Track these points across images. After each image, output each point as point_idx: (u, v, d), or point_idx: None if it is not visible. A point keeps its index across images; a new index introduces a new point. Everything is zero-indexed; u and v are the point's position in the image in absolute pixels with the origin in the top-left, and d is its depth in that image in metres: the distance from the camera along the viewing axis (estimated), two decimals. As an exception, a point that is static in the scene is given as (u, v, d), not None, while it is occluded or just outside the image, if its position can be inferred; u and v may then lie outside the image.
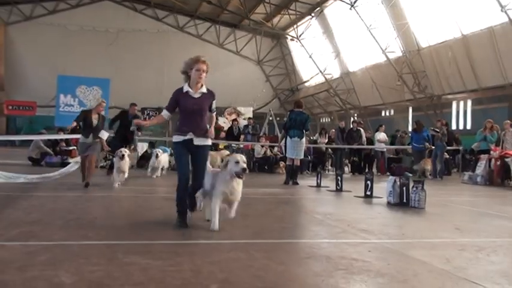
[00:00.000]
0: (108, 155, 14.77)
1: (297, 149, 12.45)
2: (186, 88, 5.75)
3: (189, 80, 5.75)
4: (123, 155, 10.13)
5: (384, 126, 19.69)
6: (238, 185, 5.43)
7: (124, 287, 3.33)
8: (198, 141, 5.76)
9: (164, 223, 5.97)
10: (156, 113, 40.32)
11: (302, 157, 13.14)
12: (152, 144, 18.09)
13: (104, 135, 10.36)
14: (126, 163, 10.32)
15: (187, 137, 5.72)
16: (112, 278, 3.49)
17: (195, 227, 5.67)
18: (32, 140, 17.34)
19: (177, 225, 5.63)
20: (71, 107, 29.81)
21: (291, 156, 12.51)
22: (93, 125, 10.08)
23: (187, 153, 5.78)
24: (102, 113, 10.38)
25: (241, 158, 5.42)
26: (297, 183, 12.23)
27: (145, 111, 40.47)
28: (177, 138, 5.81)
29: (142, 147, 18.34)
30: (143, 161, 16.85)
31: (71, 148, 17.53)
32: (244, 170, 5.31)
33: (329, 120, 40.70)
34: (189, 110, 5.73)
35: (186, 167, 5.77)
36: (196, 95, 5.74)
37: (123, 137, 12.82)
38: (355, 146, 17.90)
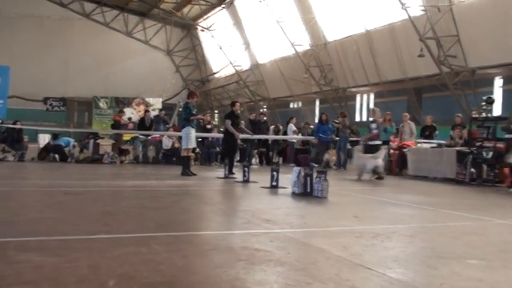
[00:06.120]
0: None
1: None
2: None
3: None
4: None
5: (294, 118, 20.13)
6: None
7: (13, 286, 3.16)
8: None
9: (62, 218, 5.74)
10: (60, 103, 38.72)
11: (186, 147, 12.69)
12: (55, 136, 17.28)
13: None
14: None
15: None
16: (1, 277, 3.31)
17: (94, 221, 5.50)
18: None
19: None
20: (-35, 95, 27.79)
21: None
22: None
23: None
24: None
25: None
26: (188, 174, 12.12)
27: (48, 101, 38.76)
28: None
29: (44, 138, 17.45)
30: (45, 153, 16.14)
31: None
32: None
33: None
34: None
35: None
36: None
37: None
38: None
